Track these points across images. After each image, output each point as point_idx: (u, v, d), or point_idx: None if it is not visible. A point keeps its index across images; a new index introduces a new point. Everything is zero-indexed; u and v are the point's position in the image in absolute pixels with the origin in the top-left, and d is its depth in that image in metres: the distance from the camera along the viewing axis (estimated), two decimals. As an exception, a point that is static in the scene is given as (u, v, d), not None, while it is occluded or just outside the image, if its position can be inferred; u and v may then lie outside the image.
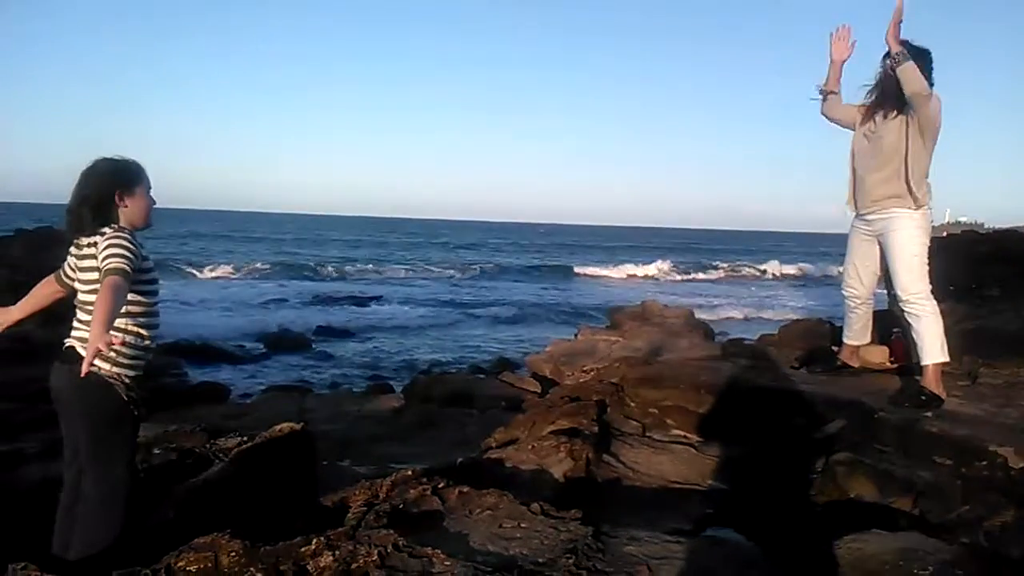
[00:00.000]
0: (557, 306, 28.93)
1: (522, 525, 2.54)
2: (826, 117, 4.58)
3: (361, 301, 28.40)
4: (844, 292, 4.62)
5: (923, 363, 4.15)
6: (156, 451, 4.73)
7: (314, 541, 2.32)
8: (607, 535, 2.51)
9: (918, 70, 3.94)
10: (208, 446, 4.93)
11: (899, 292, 4.20)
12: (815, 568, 2.45)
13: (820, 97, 4.55)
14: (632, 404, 4.51)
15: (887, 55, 4.12)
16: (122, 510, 2.96)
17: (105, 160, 2.97)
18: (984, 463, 3.17)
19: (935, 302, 4.19)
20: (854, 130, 4.41)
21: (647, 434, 4.24)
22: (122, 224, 2.93)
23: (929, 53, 4.13)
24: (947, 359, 4.16)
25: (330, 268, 42.52)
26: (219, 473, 4.22)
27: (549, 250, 71.46)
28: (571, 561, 2.27)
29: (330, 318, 22.80)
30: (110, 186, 2.92)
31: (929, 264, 4.22)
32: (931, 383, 4.08)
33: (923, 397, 4.02)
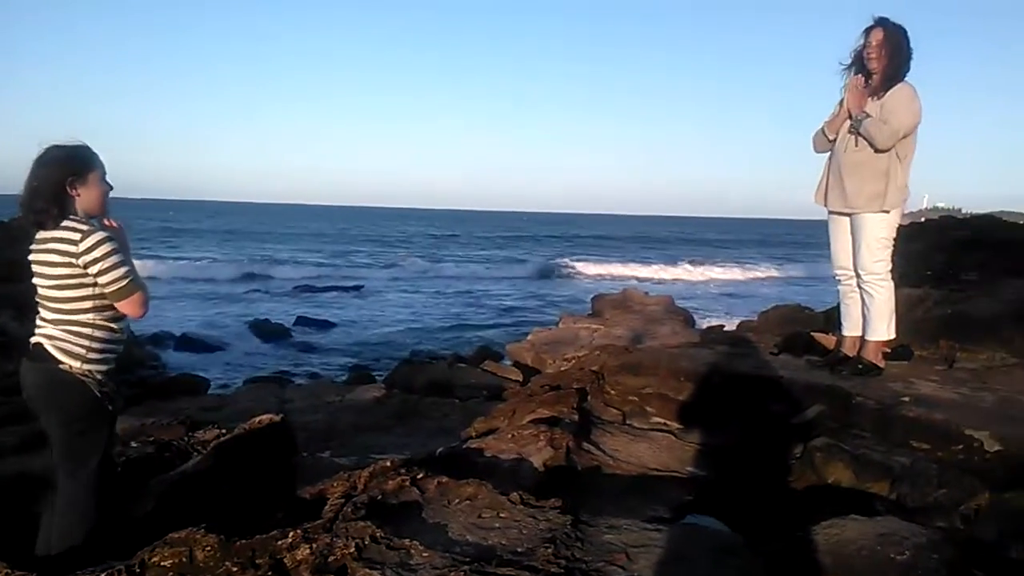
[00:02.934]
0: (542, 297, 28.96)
1: (501, 515, 2.53)
2: (818, 152, 4.60)
3: (341, 290, 28.33)
4: (835, 274, 4.59)
5: (867, 338, 4.37)
6: (134, 444, 4.69)
7: (290, 534, 2.30)
8: (586, 524, 2.51)
9: (875, 123, 4.11)
10: (186, 439, 4.89)
11: (860, 270, 4.33)
12: (793, 554, 2.46)
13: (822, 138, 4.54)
14: (612, 392, 4.51)
15: (868, 30, 4.18)
16: (95, 506, 2.92)
17: (56, 147, 2.85)
18: (960, 447, 3.19)
19: (892, 284, 4.31)
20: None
21: (627, 421, 4.24)
22: (79, 214, 2.84)
23: (906, 31, 4.17)
24: (892, 337, 4.38)
25: (307, 258, 42.39)
26: (197, 466, 4.18)
27: (532, 241, 71.54)
28: (550, 551, 2.26)
29: (310, 308, 22.74)
30: (62, 174, 2.80)
31: (895, 248, 4.32)
32: (871, 355, 4.35)
33: (860, 367, 4.31)
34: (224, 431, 4.77)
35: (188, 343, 15.27)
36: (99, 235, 2.77)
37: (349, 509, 2.50)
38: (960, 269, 8.38)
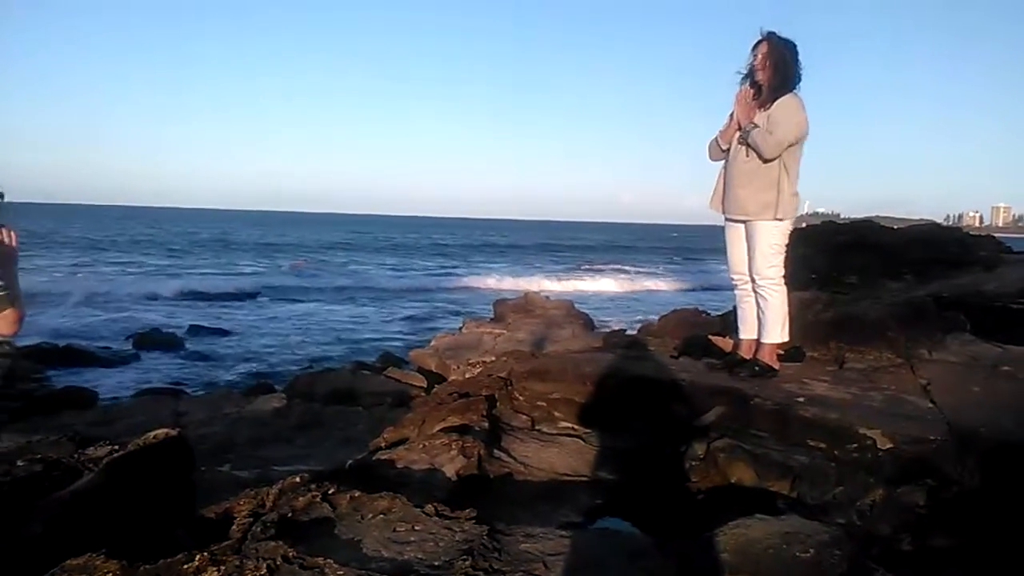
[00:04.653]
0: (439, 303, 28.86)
1: (416, 528, 2.50)
2: (713, 160, 4.73)
3: (236, 298, 27.48)
4: (732, 279, 4.73)
5: (762, 341, 4.52)
6: (19, 463, 4.42)
7: (197, 557, 2.21)
8: (502, 533, 2.50)
9: (761, 134, 4.24)
10: (76, 456, 4.64)
11: (755, 275, 4.47)
12: (702, 555, 2.52)
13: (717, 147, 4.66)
14: (521, 398, 4.52)
15: (756, 44, 4.34)
16: None
17: None
18: (855, 445, 3.33)
19: (785, 289, 4.47)
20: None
21: (536, 427, 4.26)
22: None
23: (795, 45, 4.34)
24: (786, 340, 4.54)
25: (195, 264, 40.97)
26: (89, 484, 3.97)
27: (430, 246, 71.26)
28: (467, 562, 2.25)
29: (202, 316, 21.98)
30: None
31: (787, 254, 4.48)
32: (766, 357, 4.49)
33: (757, 368, 4.44)
34: (117, 447, 4.56)
35: (73, 355, 14.47)
36: None
37: (258, 528, 2.42)
38: (842, 272, 8.82)
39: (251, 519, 2.54)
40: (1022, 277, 7.42)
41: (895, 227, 11.24)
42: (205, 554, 2.23)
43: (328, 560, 2.20)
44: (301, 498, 2.66)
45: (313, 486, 2.77)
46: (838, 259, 9.09)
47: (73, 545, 2.43)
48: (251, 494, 2.83)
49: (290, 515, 2.55)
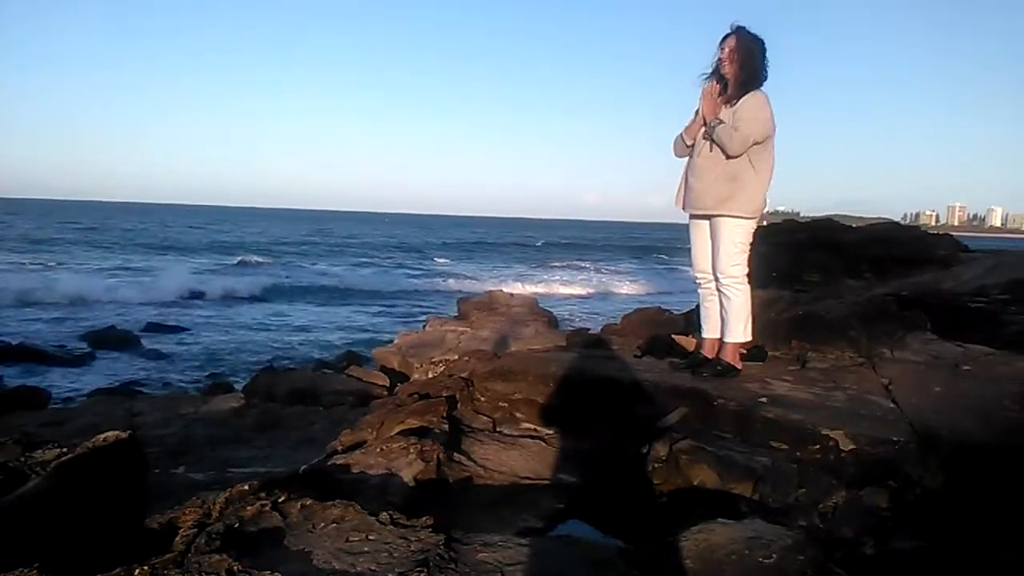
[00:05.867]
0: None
1: (370, 537, 2.41)
2: (678, 157, 4.68)
3: (195, 295, 26.98)
4: (695, 277, 4.69)
5: (725, 340, 4.50)
6: (-38, 467, 4.25)
7: (136, 571, 2.10)
8: (459, 542, 2.42)
9: (725, 130, 4.22)
10: (23, 459, 4.49)
11: (718, 273, 4.44)
12: (666, 561, 2.46)
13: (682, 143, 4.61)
14: (482, 399, 4.45)
15: (725, 37, 4.29)
16: None
17: None
18: (817, 447, 3.30)
19: (749, 288, 4.45)
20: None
21: (497, 429, 4.19)
22: None
23: (763, 42, 4.30)
24: (748, 339, 4.52)
25: (155, 260, 40.20)
26: (34, 489, 3.82)
27: (393, 243, 70.84)
28: (422, 574, 2.16)
29: (161, 314, 21.57)
30: None
31: (750, 253, 4.46)
32: (729, 357, 4.47)
33: (719, 368, 4.42)
34: (66, 450, 4.41)
35: (26, 353, 14.11)
36: None
37: (203, 540, 2.31)
38: (803, 270, 8.89)
39: (196, 529, 2.43)
40: (979, 275, 7.50)
41: (854, 225, 11.36)
42: (145, 568, 2.12)
43: (276, 574, 2.10)
44: (250, 507, 2.56)
45: (263, 494, 2.66)
46: (799, 257, 9.14)
47: (14, 554, 2.31)
48: (197, 503, 2.71)
49: (237, 525, 2.44)
